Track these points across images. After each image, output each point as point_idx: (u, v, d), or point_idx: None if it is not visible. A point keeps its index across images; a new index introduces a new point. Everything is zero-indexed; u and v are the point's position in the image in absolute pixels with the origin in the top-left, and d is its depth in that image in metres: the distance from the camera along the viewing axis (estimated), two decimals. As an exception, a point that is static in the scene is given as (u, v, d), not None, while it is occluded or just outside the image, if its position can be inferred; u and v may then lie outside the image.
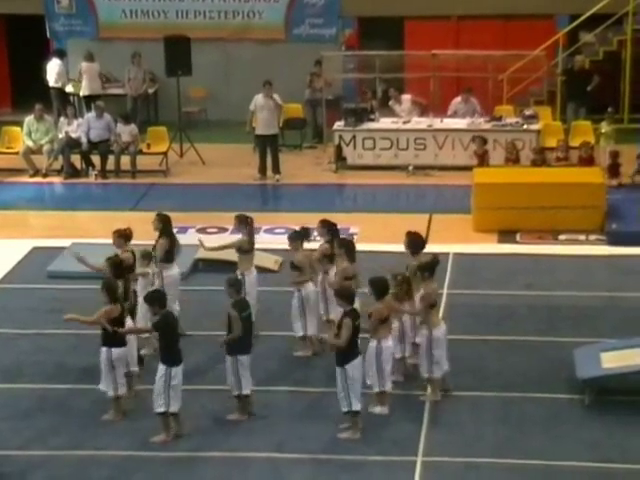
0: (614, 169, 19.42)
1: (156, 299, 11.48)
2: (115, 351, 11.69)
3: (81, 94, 23.33)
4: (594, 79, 21.70)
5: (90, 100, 22.81)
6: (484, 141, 20.25)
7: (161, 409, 11.28)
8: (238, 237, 13.92)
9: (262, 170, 20.66)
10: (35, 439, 11.63)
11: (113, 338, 11.67)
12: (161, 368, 11.28)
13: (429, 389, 12.26)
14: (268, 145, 20.62)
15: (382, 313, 11.68)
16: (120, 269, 12.39)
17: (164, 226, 13.73)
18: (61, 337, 13.86)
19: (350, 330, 11.23)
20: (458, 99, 21.86)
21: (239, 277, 12.96)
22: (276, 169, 20.66)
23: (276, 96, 20.55)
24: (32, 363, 13.33)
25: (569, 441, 11.45)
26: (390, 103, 22.09)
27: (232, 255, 14.04)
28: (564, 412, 12.06)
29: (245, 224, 13.76)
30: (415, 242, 13.02)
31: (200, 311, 14.14)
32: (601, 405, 12.05)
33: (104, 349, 11.71)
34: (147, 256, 13.25)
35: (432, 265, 12.23)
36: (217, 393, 12.08)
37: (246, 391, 11.70)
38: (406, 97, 22.07)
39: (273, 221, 18.02)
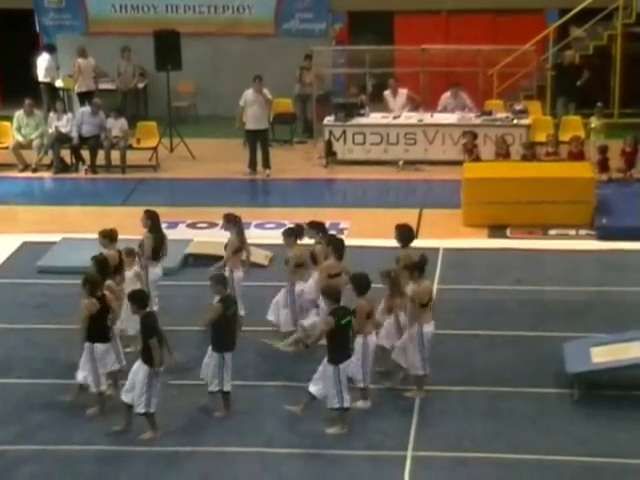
0: (604, 164, 19.45)
1: (137, 299, 11.46)
2: (98, 347, 11.70)
3: (76, 90, 23.22)
4: (584, 74, 21.72)
5: (84, 96, 22.76)
6: (474, 136, 20.25)
7: (142, 410, 11.26)
8: (229, 238, 13.86)
9: (252, 165, 20.64)
10: (23, 434, 11.62)
11: (97, 333, 11.68)
12: (143, 368, 11.24)
13: (415, 386, 12.26)
14: (258, 140, 20.59)
15: (364, 309, 11.68)
16: (105, 267, 12.37)
17: (152, 223, 13.71)
18: (50, 332, 13.83)
19: (328, 326, 11.26)
20: (447, 94, 21.84)
21: (226, 274, 12.95)
22: (266, 164, 20.64)
23: (266, 91, 20.53)
24: (21, 358, 13.30)
25: (558, 436, 11.47)
26: (386, 93, 22.00)
27: (222, 250, 14.02)
28: (553, 407, 12.08)
29: (233, 223, 13.74)
30: (405, 234, 13.04)
31: (189, 306, 14.13)
32: (590, 400, 12.07)
33: (87, 344, 11.72)
34: (131, 254, 13.24)
35: (421, 264, 12.20)
36: (206, 388, 12.05)
37: (227, 387, 11.71)
38: (403, 91, 22.02)
39: (263, 216, 18.01)
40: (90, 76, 23.20)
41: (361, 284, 11.75)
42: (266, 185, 20.57)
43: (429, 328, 12.04)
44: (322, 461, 11.07)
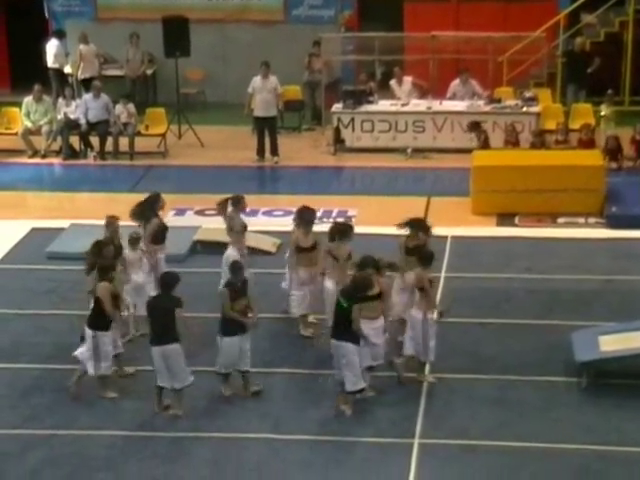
0: (614, 152, 19.41)
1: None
2: (100, 334, 11.85)
3: (79, 77, 23.26)
4: (594, 61, 21.67)
5: (88, 83, 22.80)
6: (478, 125, 20.03)
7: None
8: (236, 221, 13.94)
9: (260, 152, 20.66)
10: (33, 418, 11.70)
11: (99, 321, 11.83)
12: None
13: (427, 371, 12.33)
14: (266, 127, 20.61)
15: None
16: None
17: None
18: (59, 317, 13.90)
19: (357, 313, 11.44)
20: (457, 81, 21.81)
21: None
22: (274, 151, 20.66)
23: (274, 78, 20.53)
24: (30, 343, 13.38)
25: (565, 424, 11.52)
26: (392, 82, 22.01)
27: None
28: (561, 395, 12.12)
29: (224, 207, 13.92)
30: (417, 224, 13.11)
31: (197, 293, 14.14)
32: (598, 388, 12.10)
33: (90, 331, 11.83)
34: (136, 240, 13.35)
35: (428, 257, 12.26)
36: (213, 374, 12.12)
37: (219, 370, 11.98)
38: (407, 79, 22.01)
39: (271, 203, 18.05)
40: (92, 62, 23.23)
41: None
42: (274, 172, 20.59)
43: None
44: (330, 447, 11.13)
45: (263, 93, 20.43)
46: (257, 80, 20.48)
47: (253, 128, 21.01)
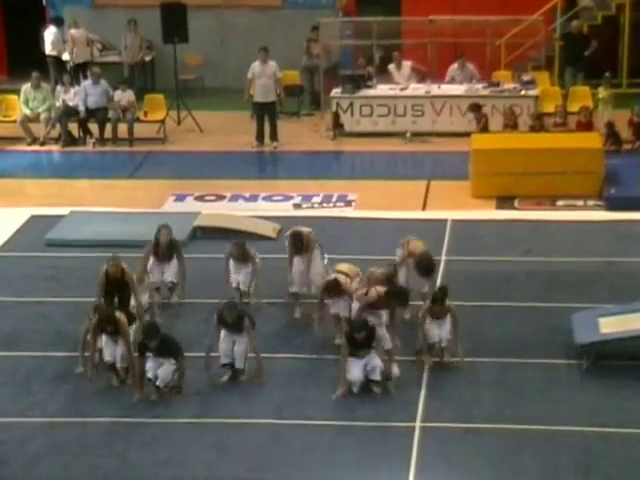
0: (612, 135, 19.33)
1: None
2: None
3: (72, 62, 23.15)
4: (592, 44, 21.58)
5: (81, 68, 22.71)
6: (479, 107, 20.05)
7: None
8: None
9: (260, 138, 20.58)
10: (34, 406, 11.65)
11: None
12: None
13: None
14: (266, 113, 20.52)
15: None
16: None
17: None
18: (59, 305, 13.85)
19: None
20: (454, 66, 21.72)
21: None
22: (274, 136, 20.58)
23: (273, 63, 20.44)
24: (31, 331, 13.33)
25: (567, 406, 11.48)
26: (390, 67, 21.93)
27: (230, 223, 14.00)
28: (562, 377, 12.08)
29: None
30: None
31: (197, 279, 14.11)
32: (599, 370, 12.07)
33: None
34: None
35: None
36: (214, 360, 12.07)
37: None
38: (406, 63, 21.93)
39: (271, 188, 17.99)
40: (84, 47, 23.12)
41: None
42: (274, 157, 20.52)
43: None
44: (331, 431, 11.09)
45: (262, 78, 20.34)
46: (256, 65, 20.39)
47: (252, 113, 20.93)
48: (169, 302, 13.81)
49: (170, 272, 13.67)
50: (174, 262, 13.65)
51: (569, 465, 10.48)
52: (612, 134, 19.22)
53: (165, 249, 13.55)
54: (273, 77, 20.47)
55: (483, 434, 10.99)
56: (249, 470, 10.44)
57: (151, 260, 13.55)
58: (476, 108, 19.99)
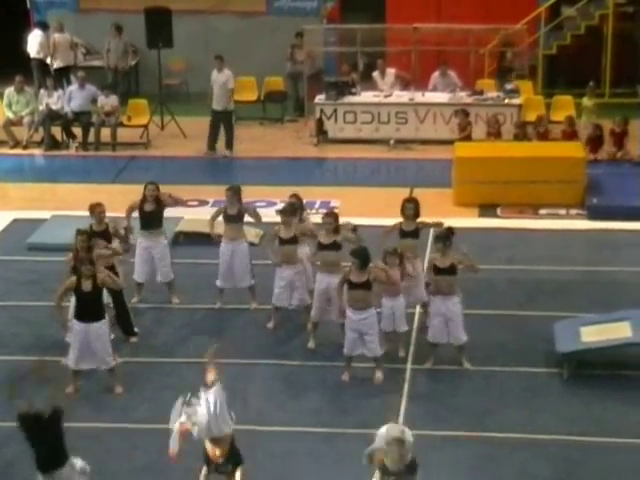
0: (595, 143, 19.38)
1: None
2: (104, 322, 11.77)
3: (54, 66, 23.04)
4: None
5: (62, 72, 22.61)
6: (466, 114, 20.19)
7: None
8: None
9: (210, 145, 20.42)
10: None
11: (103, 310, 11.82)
12: None
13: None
14: (221, 120, 20.35)
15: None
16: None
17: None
18: (40, 309, 13.74)
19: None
20: (436, 74, 21.74)
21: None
22: (228, 145, 20.39)
23: (227, 72, 20.30)
24: (10, 335, 13.27)
25: (547, 414, 11.49)
26: (374, 74, 21.94)
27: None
28: (543, 386, 12.09)
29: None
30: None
31: (178, 284, 14.07)
32: (580, 379, 12.09)
33: (100, 324, 11.69)
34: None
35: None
36: (195, 365, 12.00)
37: None
38: (390, 71, 21.96)
39: (254, 194, 17.89)
40: (67, 51, 23.03)
41: (363, 257, 11.76)
42: (257, 163, 20.46)
43: None
44: (313, 438, 11.06)
45: (216, 87, 20.25)
46: (213, 73, 20.28)
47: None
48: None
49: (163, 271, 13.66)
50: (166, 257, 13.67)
51: (548, 474, 10.48)
52: (597, 138, 19.24)
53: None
54: (224, 86, 20.32)
55: (464, 442, 10.98)
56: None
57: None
58: (462, 114, 20.02)
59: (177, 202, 14.15)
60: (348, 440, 10.98)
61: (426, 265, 13.25)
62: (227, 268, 13.62)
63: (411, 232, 13.00)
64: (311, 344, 12.82)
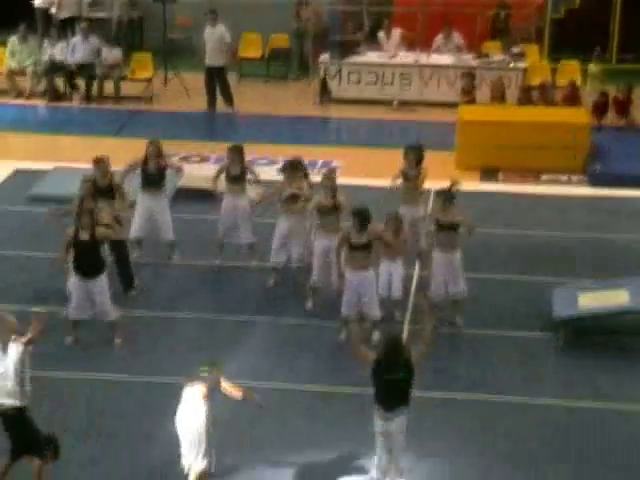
0: (600, 110, 19.34)
1: None
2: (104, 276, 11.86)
3: (59, 17, 22.94)
4: None
5: (68, 23, 22.52)
6: (473, 77, 20.10)
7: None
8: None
9: (210, 103, 20.32)
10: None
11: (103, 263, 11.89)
12: None
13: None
14: (215, 76, 20.24)
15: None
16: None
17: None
18: (39, 260, 13.81)
19: None
20: (440, 36, 21.61)
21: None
22: (228, 101, 20.29)
23: (220, 26, 20.19)
24: (10, 285, 13.32)
25: (543, 378, 11.58)
26: (380, 34, 21.82)
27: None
28: (539, 350, 12.16)
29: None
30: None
31: (179, 239, 14.11)
32: (575, 344, 12.15)
33: (102, 277, 11.78)
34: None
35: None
36: (194, 320, 12.11)
37: None
38: (396, 31, 21.82)
39: (256, 152, 17.90)
40: (72, 2, 22.89)
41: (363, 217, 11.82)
42: (259, 121, 20.42)
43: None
44: (308, 397, 11.14)
45: (210, 43, 20.13)
46: (207, 29, 20.16)
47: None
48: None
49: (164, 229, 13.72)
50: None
51: (539, 437, 10.57)
52: (603, 105, 19.20)
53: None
54: (220, 41, 20.20)
55: (459, 404, 11.06)
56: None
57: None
58: (469, 77, 19.94)
59: (178, 171, 14.09)
60: (344, 400, 11.07)
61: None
62: (229, 223, 13.66)
63: (412, 176, 13.28)
64: (309, 305, 12.89)
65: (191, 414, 9.19)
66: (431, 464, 10.15)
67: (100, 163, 13.02)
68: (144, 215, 13.72)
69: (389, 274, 12.42)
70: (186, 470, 9.34)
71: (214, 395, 9.28)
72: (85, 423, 10.58)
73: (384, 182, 13.68)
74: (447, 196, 12.30)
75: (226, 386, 9.37)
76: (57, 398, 10.94)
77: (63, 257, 11.82)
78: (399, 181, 13.52)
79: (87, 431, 10.44)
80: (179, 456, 9.32)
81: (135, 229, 13.77)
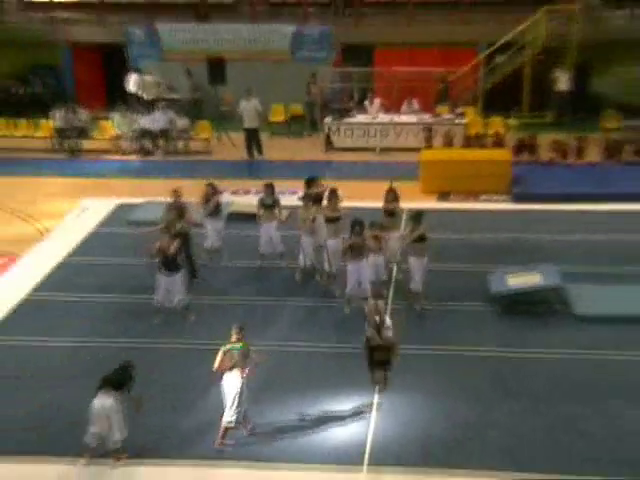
0: (518, 150, 19.20)
1: None
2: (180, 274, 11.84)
3: (146, 98, 22.93)
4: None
5: (151, 102, 22.54)
6: (430, 130, 19.97)
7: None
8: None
9: (249, 153, 20.26)
10: (119, 334, 11.51)
11: (179, 265, 11.85)
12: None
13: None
14: (252, 135, 20.20)
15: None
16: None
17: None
18: (135, 266, 13.66)
19: None
20: (405, 103, 21.61)
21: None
22: (260, 151, 20.26)
23: (255, 100, 20.12)
24: (116, 282, 13.22)
25: (486, 336, 11.43)
26: (366, 102, 21.74)
27: (254, 209, 13.88)
28: (483, 317, 12.03)
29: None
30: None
31: (230, 249, 13.95)
32: (507, 311, 12.03)
33: (177, 275, 11.71)
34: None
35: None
36: (242, 304, 11.94)
37: None
38: (377, 100, 21.77)
39: (283, 186, 17.80)
40: (154, 87, 22.88)
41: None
42: (284, 165, 20.31)
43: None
44: (324, 355, 10.99)
45: (246, 111, 20.10)
46: (242, 102, 20.14)
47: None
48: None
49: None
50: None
51: (485, 379, 10.45)
52: (519, 146, 19.02)
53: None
54: (254, 110, 20.13)
55: (423, 357, 10.91)
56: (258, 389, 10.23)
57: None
58: (427, 130, 19.88)
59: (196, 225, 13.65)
60: (347, 356, 10.91)
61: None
62: (266, 237, 13.54)
63: (391, 211, 12.91)
64: (347, 310, 12.10)
65: (230, 378, 9.00)
66: (405, 398, 9.99)
67: (175, 192, 13.13)
68: (211, 234, 13.65)
69: (376, 264, 12.26)
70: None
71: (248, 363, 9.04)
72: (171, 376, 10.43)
73: (371, 204, 13.51)
74: (415, 218, 12.09)
75: (252, 354, 9.16)
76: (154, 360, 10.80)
77: (153, 258, 11.73)
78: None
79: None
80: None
81: (209, 242, 13.69)
